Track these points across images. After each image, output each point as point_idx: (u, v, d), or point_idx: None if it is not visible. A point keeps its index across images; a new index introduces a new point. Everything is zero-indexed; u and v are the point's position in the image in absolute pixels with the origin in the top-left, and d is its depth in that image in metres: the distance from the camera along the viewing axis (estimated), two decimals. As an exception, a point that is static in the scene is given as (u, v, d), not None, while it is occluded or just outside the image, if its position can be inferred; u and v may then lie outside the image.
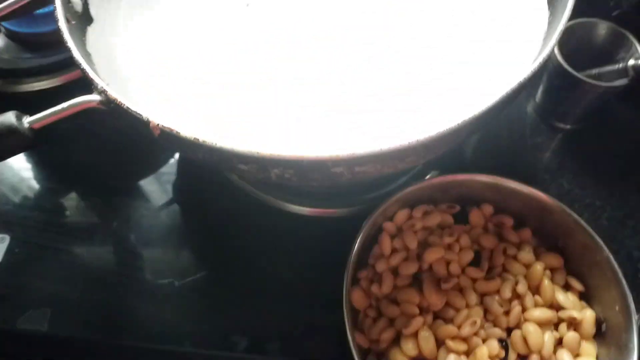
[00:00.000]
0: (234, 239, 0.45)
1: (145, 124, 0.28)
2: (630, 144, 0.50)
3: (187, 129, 0.28)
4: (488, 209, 0.38)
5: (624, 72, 0.47)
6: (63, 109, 0.29)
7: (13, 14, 0.37)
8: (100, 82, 0.30)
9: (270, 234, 0.45)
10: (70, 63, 0.33)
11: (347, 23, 0.40)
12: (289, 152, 0.27)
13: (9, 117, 0.28)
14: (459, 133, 0.28)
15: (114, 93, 0.29)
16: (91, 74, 0.30)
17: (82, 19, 0.37)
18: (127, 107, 0.29)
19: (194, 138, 0.27)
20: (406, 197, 0.37)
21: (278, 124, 0.35)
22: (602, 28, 0.48)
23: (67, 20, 0.34)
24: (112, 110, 0.30)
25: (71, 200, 0.49)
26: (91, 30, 0.38)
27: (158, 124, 0.28)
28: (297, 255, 0.44)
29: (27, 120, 0.29)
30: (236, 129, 0.35)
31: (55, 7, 0.34)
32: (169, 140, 0.28)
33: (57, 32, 0.33)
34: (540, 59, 0.30)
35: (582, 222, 0.36)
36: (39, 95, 0.51)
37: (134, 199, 0.48)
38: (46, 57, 0.51)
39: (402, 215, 0.37)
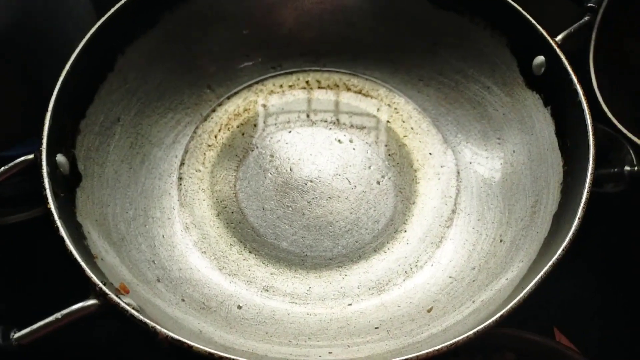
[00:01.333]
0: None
1: (153, 334, 0.26)
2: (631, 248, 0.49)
3: (199, 341, 0.25)
4: (510, 356, 0.37)
5: (620, 176, 0.46)
6: (57, 320, 0.26)
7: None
8: (98, 283, 0.27)
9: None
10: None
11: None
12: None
13: (-6, 336, 0.25)
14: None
15: (114, 296, 0.26)
16: (88, 272, 0.27)
17: (70, 183, 0.34)
18: (131, 315, 0.26)
19: (209, 353, 0.25)
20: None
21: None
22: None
23: (56, 196, 0.31)
24: (112, 312, 0.27)
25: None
26: (80, 192, 0.34)
27: (167, 336, 0.25)
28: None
29: (15, 336, 0.25)
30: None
31: (43, 184, 0.30)
32: (179, 352, 0.25)
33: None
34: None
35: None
36: (16, 227, 0.46)
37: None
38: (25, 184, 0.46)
39: (424, 374, 0.35)
